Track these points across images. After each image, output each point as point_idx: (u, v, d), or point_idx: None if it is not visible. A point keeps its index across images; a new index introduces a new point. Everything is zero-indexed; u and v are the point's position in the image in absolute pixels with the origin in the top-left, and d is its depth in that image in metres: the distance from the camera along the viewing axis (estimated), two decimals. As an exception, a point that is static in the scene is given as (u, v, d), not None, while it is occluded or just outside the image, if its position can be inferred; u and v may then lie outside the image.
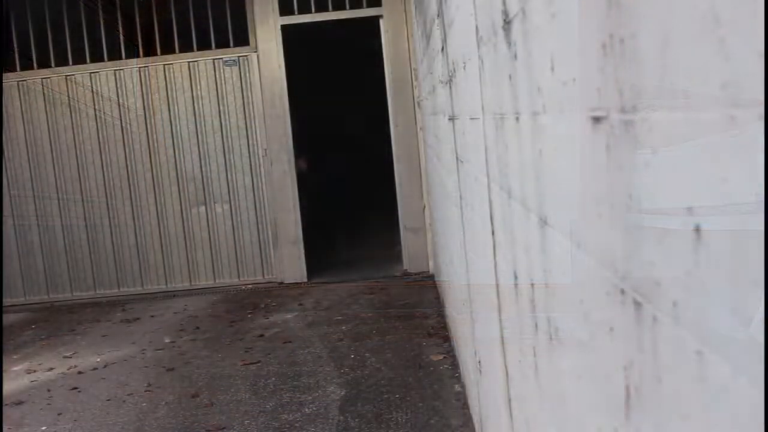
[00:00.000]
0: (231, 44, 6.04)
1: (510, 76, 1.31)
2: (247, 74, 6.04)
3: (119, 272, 6.26)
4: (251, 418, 3.41)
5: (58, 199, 6.21)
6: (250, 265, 6.22)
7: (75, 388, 4.02)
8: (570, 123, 0.92)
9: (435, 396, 3.47)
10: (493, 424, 2.16)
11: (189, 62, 6.05)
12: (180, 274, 6.24)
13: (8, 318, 5.85)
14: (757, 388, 0.47)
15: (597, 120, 0.81)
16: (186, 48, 6.06)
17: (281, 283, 6.18)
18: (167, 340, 4.81)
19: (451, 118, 2.74)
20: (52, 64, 6.11)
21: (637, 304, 0.71)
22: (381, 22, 5.98)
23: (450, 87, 2.69)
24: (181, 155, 6.14)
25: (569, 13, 0.89)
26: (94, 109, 6.12)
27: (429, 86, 4.18)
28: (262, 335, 4.73)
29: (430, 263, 6.02)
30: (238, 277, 6.23)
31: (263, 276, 6.22)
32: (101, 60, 6.09)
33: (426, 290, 5.55)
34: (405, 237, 6.16)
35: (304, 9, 5.96)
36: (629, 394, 0.77)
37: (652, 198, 0.65)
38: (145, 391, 3.89)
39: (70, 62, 6.10)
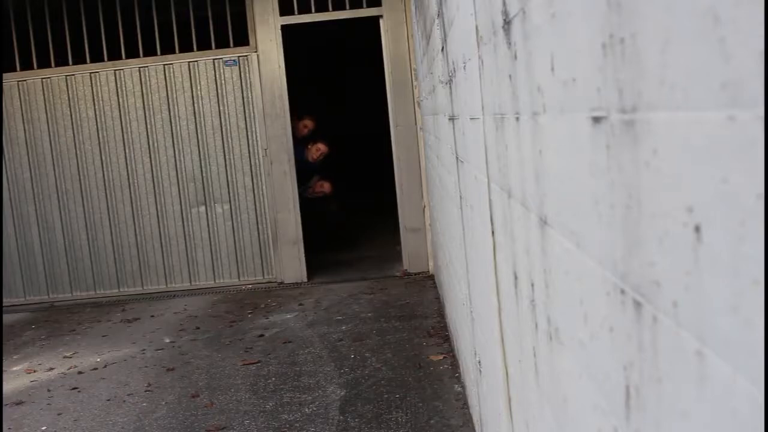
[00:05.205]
0: (231, 44, 6.04)
1: (510, 76, 1.31)
2: (247, 74, 6.04)
3: (119, 272, 6.26)
4: (251, 418, 3.41)
5: (58, 199, 6.21)
6: (250, 265, 6.22)
7: (75, 388, 4.02)
8: (570, 123, 0.92)
9: (435, 396, 3.47)
10: (493, 424, 2.16)
11: (189, 62, 6.05)
12: (180, 274, 6.24)
13: (8, 318, 5.85)
14: (757, 388, 0.47)
15: (597, 120, 0.81)
16: (186, 48, 6.06)
17: (281, 283, 6.18)
18: (167, 340, 4.81)
19: (451, 118, 2.74)
20: (52, 64, 6.11)
21: (637, 304, 0.71)
22: (381, 22, 5.98)
23: (450, 87, 2.69)
24: (181, 155, 6.14)
25: (569, 13, 0.89)
26: (94, 109, 6.12)
27: (429, 86, 4.18)
28: (262, 335, 4.73)
29: (430, 263, 6.02)
30: (238, 277, 6.23)
31: (263, 276, 6.22)
32: (101, 60, 6.09)
33: (426, 290, 5.55)
34: (405, 237, 6.16)
35: (304, 9, 5.96)
36: (629, 394, 0.77)
37: (652, 198, 0.65)
38: (145, 391, 3.89)
39: (70, 62, 6.10)
